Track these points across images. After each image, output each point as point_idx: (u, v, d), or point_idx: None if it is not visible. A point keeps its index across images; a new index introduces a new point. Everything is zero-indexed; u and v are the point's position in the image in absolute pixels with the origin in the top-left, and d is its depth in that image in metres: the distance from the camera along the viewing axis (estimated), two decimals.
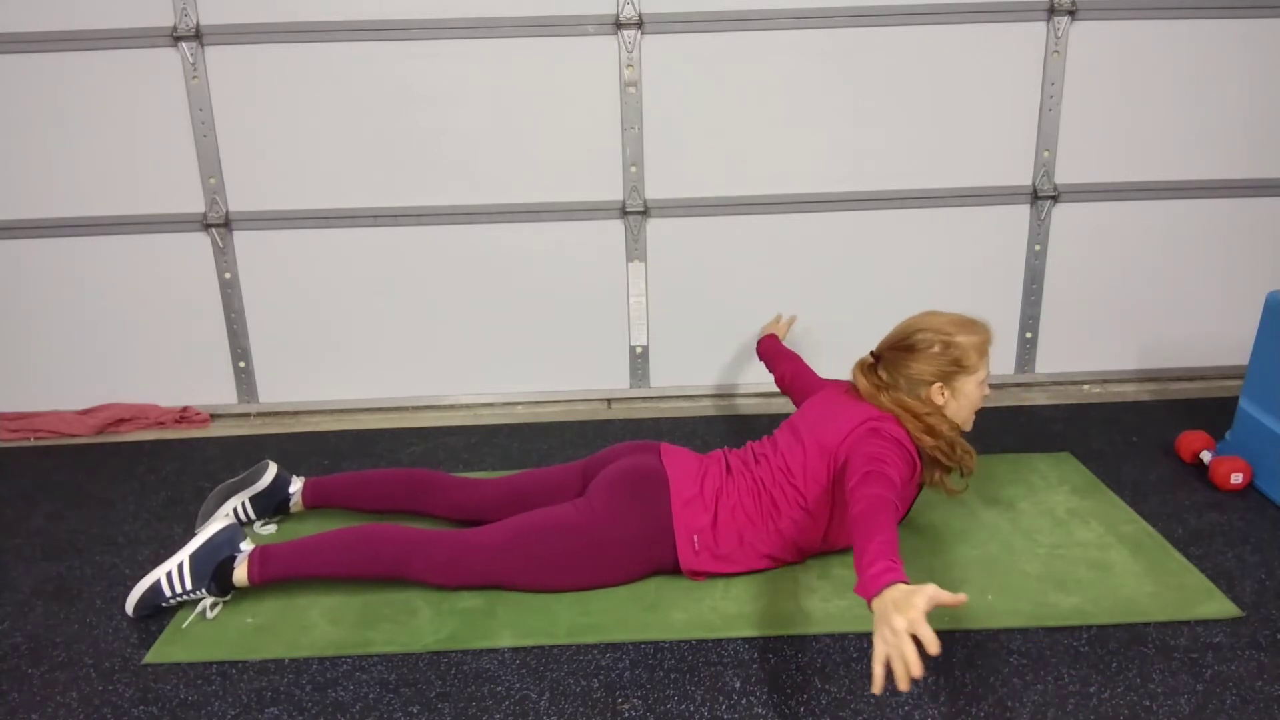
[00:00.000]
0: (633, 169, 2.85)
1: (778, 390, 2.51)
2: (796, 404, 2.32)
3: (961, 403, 1.98)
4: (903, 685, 1.36)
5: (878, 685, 1.39)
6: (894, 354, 1.99)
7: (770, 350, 2.61)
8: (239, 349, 2.98)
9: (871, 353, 2.06)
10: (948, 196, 2.92)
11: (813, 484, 1.94)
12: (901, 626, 1.38)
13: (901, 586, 1.44)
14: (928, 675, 1.71)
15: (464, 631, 1.86)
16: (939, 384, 1.95)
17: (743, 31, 2.75)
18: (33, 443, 2.85)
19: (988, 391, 2.02)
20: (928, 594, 1.40)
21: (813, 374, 2.39)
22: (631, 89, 2.78)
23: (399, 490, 2.22)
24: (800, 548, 2.00)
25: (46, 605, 2.00)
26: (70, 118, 2.74)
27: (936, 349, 1.94)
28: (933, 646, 1.36)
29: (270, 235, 2.88)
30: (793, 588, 1.97)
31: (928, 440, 1.92)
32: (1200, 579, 1.98)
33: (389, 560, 1.93)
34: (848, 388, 2.08)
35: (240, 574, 1.92)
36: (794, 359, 2.50)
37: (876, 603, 1.45)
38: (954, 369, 1.95)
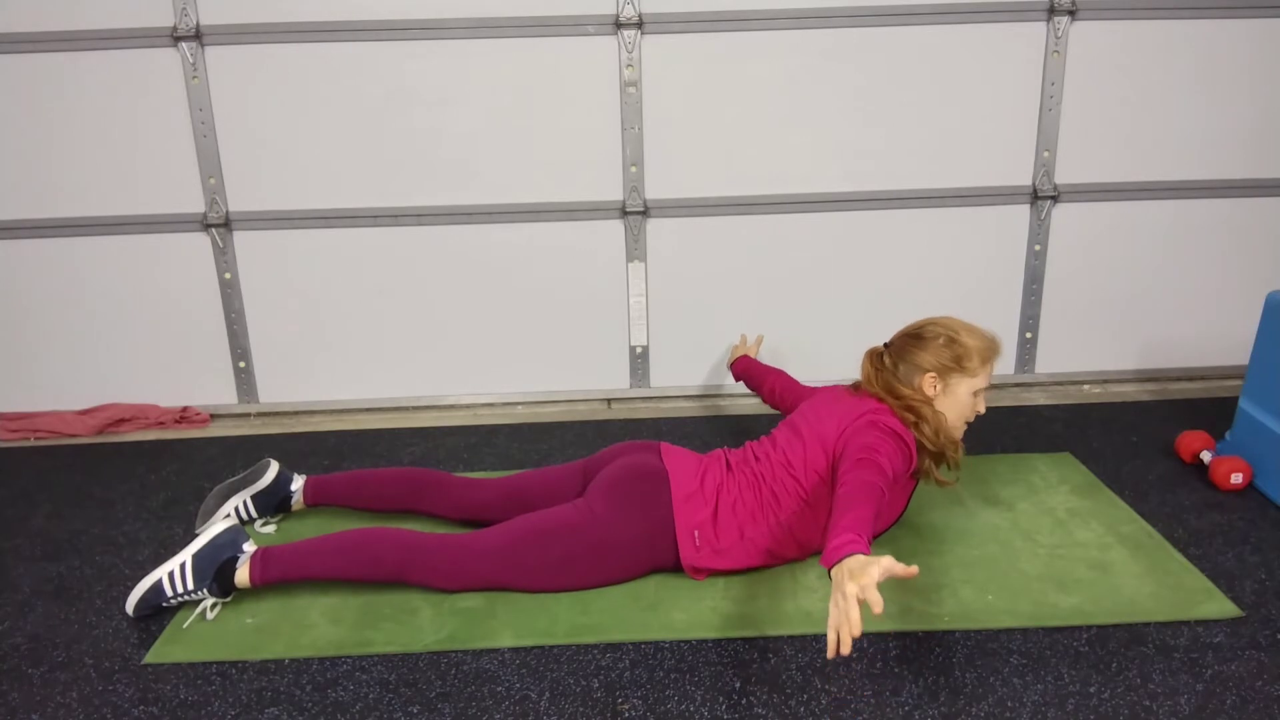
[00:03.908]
0: (633, 169, 2.85)
1: None
2: (788, 414, 2.33)
3: (951, 403, 2.01)
4: (844, 648, 1.43)
5: (831, 650, 1.45)
6: (903, 341, 2.07)
7: (749, 369, 2.65)
8: (239, 349, 2.98)
9: (884, 343, 2.12)
10: (948, 196, 2.92)
11: (812, 474, 1.97)
12: (852, 592, 1.45)
13: (860, 557, 1.50)
14: (927, 675, 1.71)
15: (464, 631, 1.86)
16: (933, 374, 2.00)
17: (743, 31, 2.75)
18: (33, 443, 2.85)
19: (981, 409, 2.06)
20: (883, 564, 1.47)
21: (801, 385, 2.44)
22: (631, 89, 2.78)
23: (400, 489, 2.22)
24: (800, 541, 2.00)
25: (46, 605, 2.00)
26: (70, 118, 2.75)
27: (941, 341, 2.01)
28: (877, 607, 1.43)
29: (270, 235, 2.88)
30: (793, 588, 1.97)
31: (909, 418, 1.96)
32: (1200, 579, 1.98)
33: (390, 564, 1.93)
34: (847, 388, 2.11)
35: (242, 575, 1.92)
36: (778, 374, 2.53)
37: (835, 571, 1.51)
38: (953, 365, 2.00)
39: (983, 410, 2.07)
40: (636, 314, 2.99)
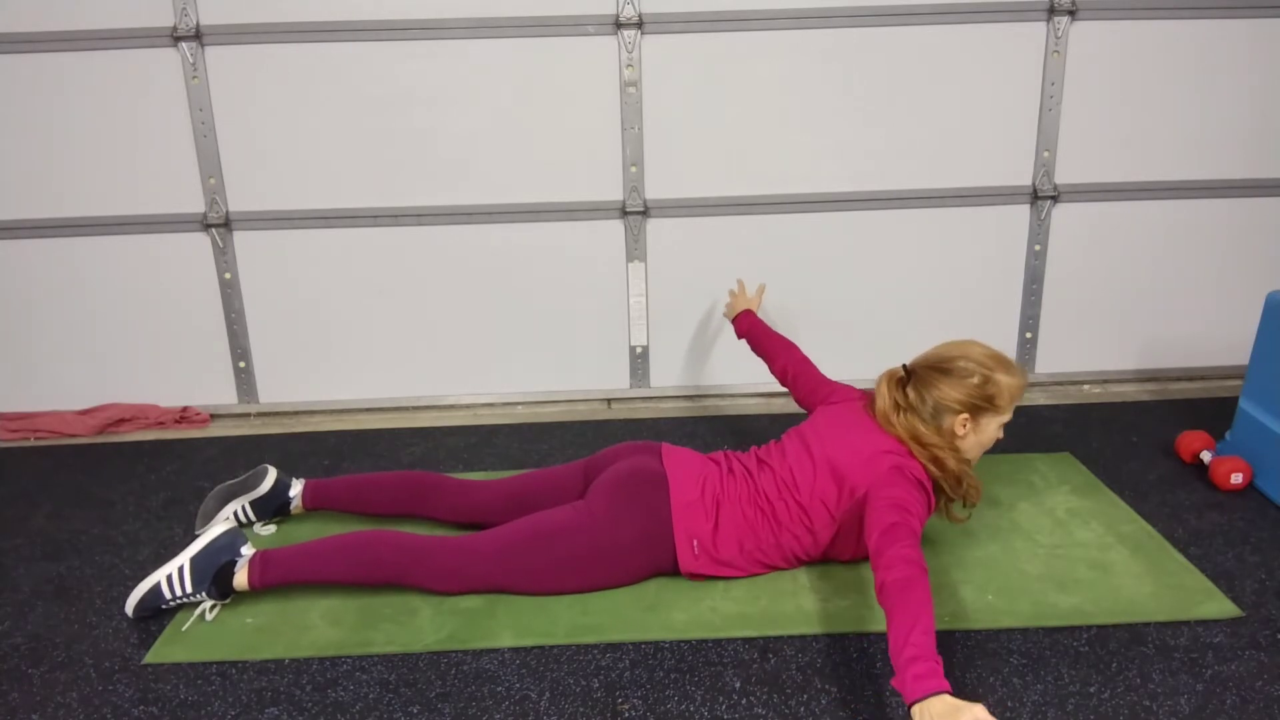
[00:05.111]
0: (633, 169, 2.85)
1: (778, 390, 2.48)
2: (800, 402, 2.29)
3: (980, 439, 1.96)
4: None
5: None
6: (928, 373, 1.94)
7: (756, 331, 2.50)
8: (239, 349, 2.98)
9: (904, 366, 2.01)
10: (948, 196, 2.92)
11: (818, 504, 1.93)
12: None
13: (947, 699, 1.43)
14: None
15: (464, 631, 1.86)
16: (965, 415, 1.92)
17: (743, 31, 2.75)
18: (33, 443, 2.85)
19: (1001, 435, 2.00)
20: (975, 715, 1.39)
21: (817, 372, 2.29)
22: (631, 89, 2.78)
23: (400, 493, 2.21)
24: (800, 560, 2.01)
25: (46, 605, 2.00)
26: (70, 118, 2.74)
27: (975, 379, 1.91)
28: None
29: (270, 235, 2.88)
30: (793, 588, 1.97)
31: (934, 470, 1.90)
32: (1200, 579, 1.98)
33: (390, 567, 1.93)
34: (864, 404, 2.04)
35: (240, 578, 1.92)
36: (790, 350, 2.38)
37: (917, 710, 1.43)
38: (985, 404, 1.92)
39: (1001, 436, 2.00)
40: (636, 314, 2.99)
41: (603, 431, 2.83)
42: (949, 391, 1.91)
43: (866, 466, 1.89)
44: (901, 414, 1.93)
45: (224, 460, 2.68)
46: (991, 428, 1.96)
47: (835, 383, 2.23)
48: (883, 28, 2.76)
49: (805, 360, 2.34)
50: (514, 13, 2.71)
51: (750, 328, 2.53)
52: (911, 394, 1.94)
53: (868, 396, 2.05)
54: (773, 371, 2.42)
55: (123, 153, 2.79)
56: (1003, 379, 1.92)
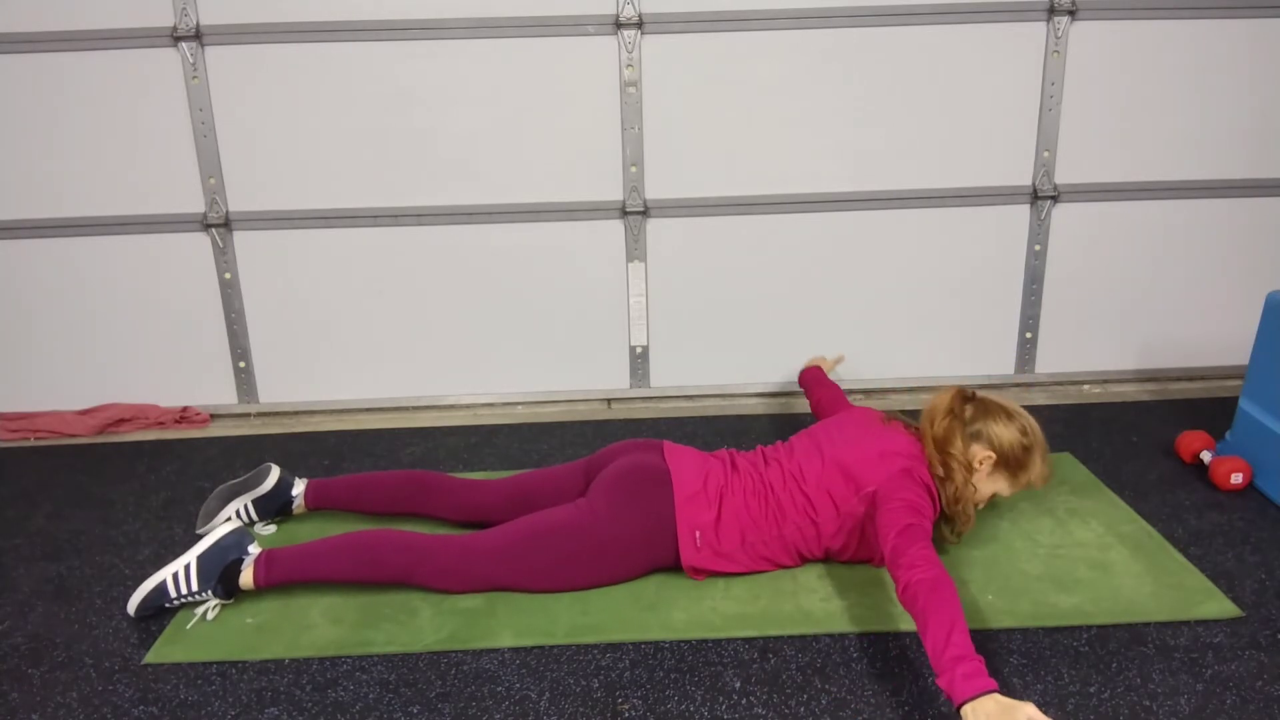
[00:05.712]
0: (633, 169, 2.85)
1: (779, 391, 2.50)
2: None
3: (982, 486, 2.00)
4: None
5: None
6: (993, 405, 2.02)
7: (812, 379, 2.63)
8: (239, 349, 2.98)
9: (975, 391, 2.07)
10: (948, 196, 2.92)
11: (824, 496, 1.94)
12: None
13: (999, 699, 1.45)
14: (927, 675, 1.71)
15: (464, 631, 1.86)
16: (991, 455, 1.97)
17: (743, 31, 2.75)
18: (33, 443, 2.85)
19: (983, 506, 2.07)
20: (1028, 714, 1.41)
21: (847, 401, 2.41)
22: (631, 89, 2.78)
23: (402, 493, 2.21)
24: (801, 555, 2.01)
25: (46, 605, 2.00)
26: (70, 118, 2.74)
27: (1025, 441, 1.98)
28: None
29: (270, 235, 2.88)
30: (793, 588, 1.97)
31: (939, 472, 1.93)
32: (1200, 579, 1.98)
33: (394, 566, 1.93)
34: (882, 417, 2.09)
35: (246, 577, 1.92)
36: (833, 389, 2.53)
37: (969, 709, 1.45)
38: (1012, 464, 1.99)
39: (983, 507, 2.08)
40: (636, 314, 2.99)
41: (603, 431, 2.83)
42: (999, 429, 1.98)
43: (878, 464, 1.92)
44: (948, 418, 1.98)
45: (224, 460, 2.68)
46: (992, 487, 2.02)
47: (859, 406, 2.30)
48: (883, 28, 2.76)
49: (844, 397, 2.47)
50: (514, 13, 2.71)
51: (814, 376, 2.64)
52: (968, 410, 2.01)
53: (884, 415, 2.10)
54: (811, 406, 2.55)
55: (123, 153, 2.79)
56: (1039, 461, 2.01)
